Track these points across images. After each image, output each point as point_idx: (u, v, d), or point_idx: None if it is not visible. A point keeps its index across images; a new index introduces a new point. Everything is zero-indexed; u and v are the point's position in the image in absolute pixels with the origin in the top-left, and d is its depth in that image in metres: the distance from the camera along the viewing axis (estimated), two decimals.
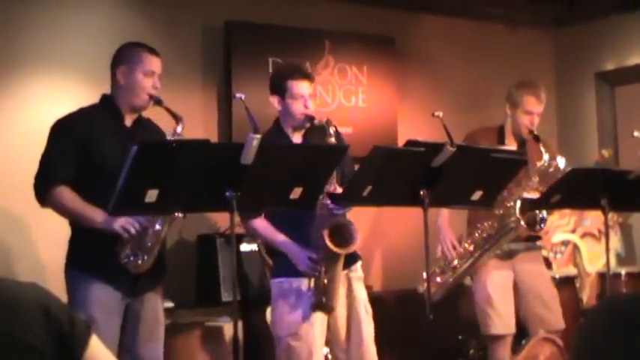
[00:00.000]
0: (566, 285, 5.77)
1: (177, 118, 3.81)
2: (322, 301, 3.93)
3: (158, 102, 3.86)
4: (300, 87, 4.06)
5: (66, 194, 3.75)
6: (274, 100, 4.12)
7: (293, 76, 4.07)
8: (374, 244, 6.36)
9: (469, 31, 7.07)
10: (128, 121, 3.92)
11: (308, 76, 4.12)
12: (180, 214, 3.62)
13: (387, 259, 6.50)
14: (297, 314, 3.99)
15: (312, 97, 4.10)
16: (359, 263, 4.22)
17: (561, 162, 4.58)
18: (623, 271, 6.03)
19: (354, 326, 4.10)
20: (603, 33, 7.18)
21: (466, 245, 4.72)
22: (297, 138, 4.13)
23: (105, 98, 3.96)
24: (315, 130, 4.07)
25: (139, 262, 3.74)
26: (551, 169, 4.58)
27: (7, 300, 1.78)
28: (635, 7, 6.87)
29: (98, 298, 3.71)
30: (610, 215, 4.48)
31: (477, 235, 4.69)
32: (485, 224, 4.65)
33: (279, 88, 4.09)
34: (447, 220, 4.85)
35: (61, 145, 3.80)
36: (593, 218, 6.47)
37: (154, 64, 3.90)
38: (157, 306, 3.94)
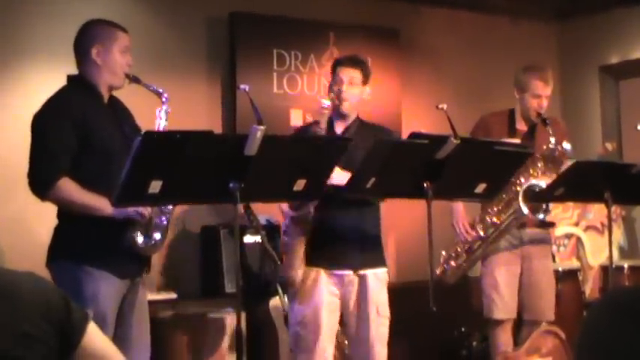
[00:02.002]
0: (569, 278, 5.77)
1: (159, 94, 3.76)
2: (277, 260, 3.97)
3: (136, 80, 3.76)
4: (342, 71, 4.11)
5: (71, 186, 3.58)
6: None
7: (341, 62, 4.15)
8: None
9: (473, 23, 7.06)
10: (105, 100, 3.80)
11: (352, 64, 4.13)
12: None
13: (391, 251, 6.49)
14: (305, 304, 4.05)
15: (350, 84, 4.10)
16: (383, 269, 4.20)
17: (567, 147, 4.59)
18: (625, 265, 6.03)
19: (361, 325, 4.12)
20: (607, 26, 7.17)
21: (478, 229, 4.77)
22: (340, 127, 4.15)
23: (76, 79, 3.78)
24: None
25: (154, 242, 3.68)
26: (556, 154, 4.60)
27: (6, 289, 1.77)
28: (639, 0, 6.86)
29: (106, 292, 3.60)
30: (613, 208, 4.48)
31: (487, 219, 4.74)
32: (495, 209, 4.69)
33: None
34: (462, 203, 4.88)
35: (58, 134, 3.60)
36: (597, 211, 6.47)
37: (127, 40, 3.80)
38: (144, 292, 3.87)
